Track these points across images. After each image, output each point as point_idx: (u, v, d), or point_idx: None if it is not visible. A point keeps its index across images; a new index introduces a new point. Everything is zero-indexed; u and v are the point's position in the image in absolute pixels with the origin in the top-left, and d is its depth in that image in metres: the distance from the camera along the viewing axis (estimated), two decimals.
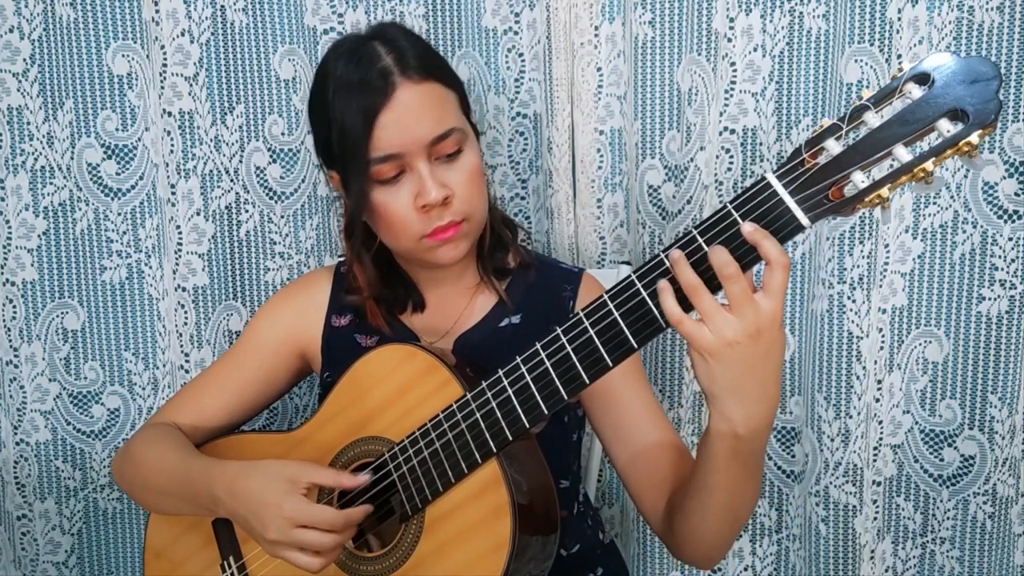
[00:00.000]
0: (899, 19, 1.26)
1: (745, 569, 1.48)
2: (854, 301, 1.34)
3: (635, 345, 0.85)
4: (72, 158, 1.50)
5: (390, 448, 1.00)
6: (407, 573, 0.97)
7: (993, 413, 1.36)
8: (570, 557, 1.14)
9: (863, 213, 1.31)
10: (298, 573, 1.02)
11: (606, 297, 0.86)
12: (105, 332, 1.54)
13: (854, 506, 1.37)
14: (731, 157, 1.36)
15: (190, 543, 1.14)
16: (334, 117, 1.04)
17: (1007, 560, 1.39)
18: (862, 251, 1.33)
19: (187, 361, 1.51)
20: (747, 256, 0.79)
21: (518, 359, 0.91)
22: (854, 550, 1.39)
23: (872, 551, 1.39)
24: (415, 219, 1.05)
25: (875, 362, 1.34)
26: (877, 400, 1.36)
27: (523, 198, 1.45)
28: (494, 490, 0.93)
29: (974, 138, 0.73)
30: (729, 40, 1.33)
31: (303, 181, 1.46)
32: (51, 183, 1.51)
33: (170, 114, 1.45)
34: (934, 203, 1.32)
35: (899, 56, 1.26)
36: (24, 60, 1.48)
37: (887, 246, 1.32)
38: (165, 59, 1.43)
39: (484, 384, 0.93)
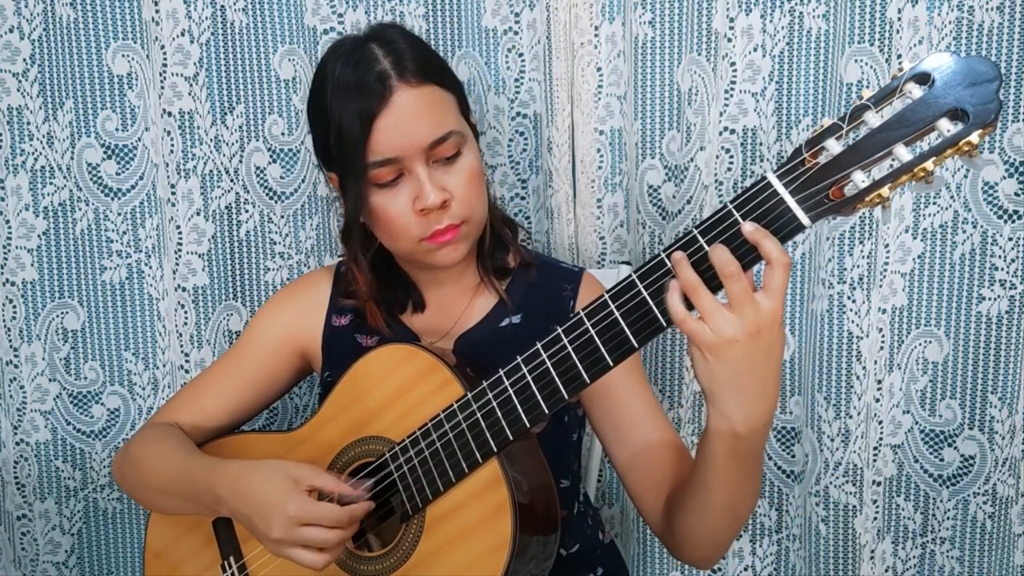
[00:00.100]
0: (899, 19, 1.26)
1: (745, 569, 1.48)
2: (854, 301, 1.34)
3: (635, 345, 0.85)
4: (72, 158, 1.50)
5: (391, 448, 1.00)
6: (408, 572, 0.98)
7: (993, 413, 1.36)
8: (570, 557, 1.14)
9: (863, 213, 1.31)
10: (299, 574, 1.03)
11: (607, 297, 0.86)
12: (105, 332, 1.54)
13: (854, 506, 1.37)
14: (731, 157, 1.36)
15: (190, 543, 1.14)
16: (332, 118, 1.04)
17: (1007, 560, 1.39)
18: (862, 251, 1.33)
19: (187, 361, 1.51)
20: (748, 255, 0.80)
21: (519, 359, 0.91)
22: (854, 550, 1.39)
23: (872, 551, 1.39)
24: (414, 222, 1.05)
25: (875, 362, 1.34)
26: (877, 400, 1.36)
27: (523, 198, 1.45)
28: (495, 490, 0.93)
29: (974, 138, 0.73)
30: (729, 40, 1.33)
31: (303, 181, 1.46)
32: (51, 183, 1.51)
33: (170, 114, 1.45)
34: (934, 203, 1.32)
35: (899, 56, 1.26)
36: (24, 60, 1.48)
37: (887, 246, 1.32)
38: (165, 59, 1.43)
39: (485, 384, 0.93)
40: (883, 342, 1.34)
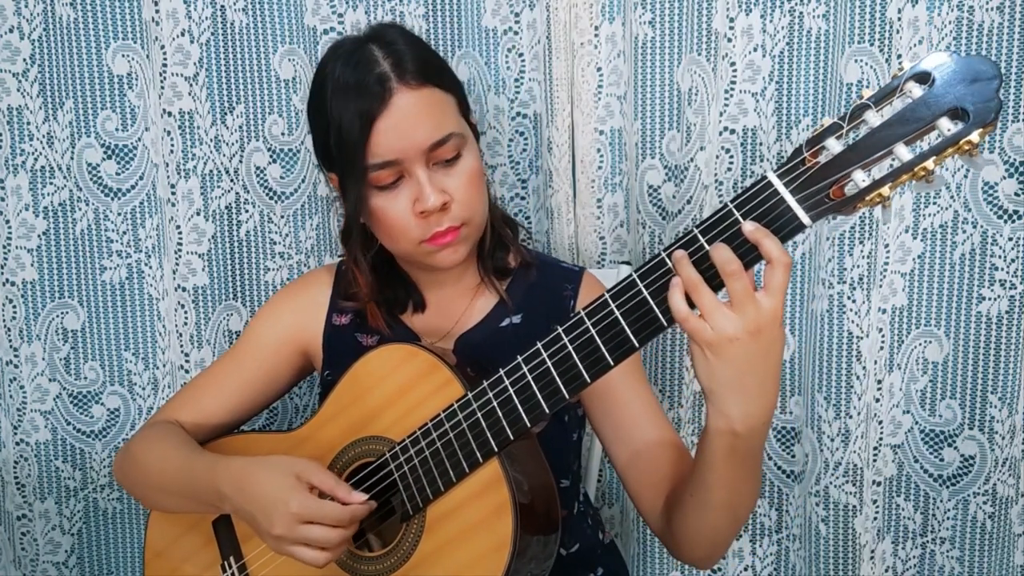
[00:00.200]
0: (899, 19, 1.26)
1: (745, 569, 1.48)
2: (854, 301, 1.34)
3: (636, 344, 0.85)
4: (72, 158, 1.50)
5: (391, 448, 1.00)
6: (408, 572, 0.97)
7: (993, 413, 1.36)
8: (570, 557, 1.14)
9: (863, 212, 1.31)
10: (299, 574, 1.03)
11: (607, 296, 0.86)
12: (105, 332, 1.54)
13: (854, 506, 1.37)
14: (731, 157, 1.36)
15: (190, 543, 1.14)
16: (332, 119, 1.04)
17: (1007, 560, 1.39)
18: (862, 251, 1.33)
19: (187, 361, 1.51)
20: (748, 255, 0.80)
21: (519, 358, 0.91)
22: (854, 550, 1.39)
23: (872, 551, 1.39)
24: (414, 224, 1.05)
25: (875, 362, 1.34)
26: (877, 400, 1.36)
27: (523, 198, 1.45)
28: (495, 489, 0.93)
29: (975, 137, 0.73)
30: (729, 40, 1.33)
31: (303, 181, 1.46)
32: (51, 183, 1.51)
33: (170, 114, 1.45)
34: (934, 203, 1.32)
35: (899, 56, 1.26)
36: (24, 60, 1.48)
37: (887, 246, 1.32)
38: (165, 59, 1.43)
39: (485, 383, 0.93)
40: (883, 342, 1.34)
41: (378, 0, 1.39)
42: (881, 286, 1.33)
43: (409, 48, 1.05)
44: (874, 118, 0.76)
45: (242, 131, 1.46)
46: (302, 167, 1.46)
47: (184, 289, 1.49)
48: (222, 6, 1.42)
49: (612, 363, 0.86)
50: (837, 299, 1.35)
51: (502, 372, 0.92)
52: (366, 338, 1.17)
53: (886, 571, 1.41)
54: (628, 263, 1.38)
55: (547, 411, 0.90)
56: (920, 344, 1.36)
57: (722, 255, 0.79)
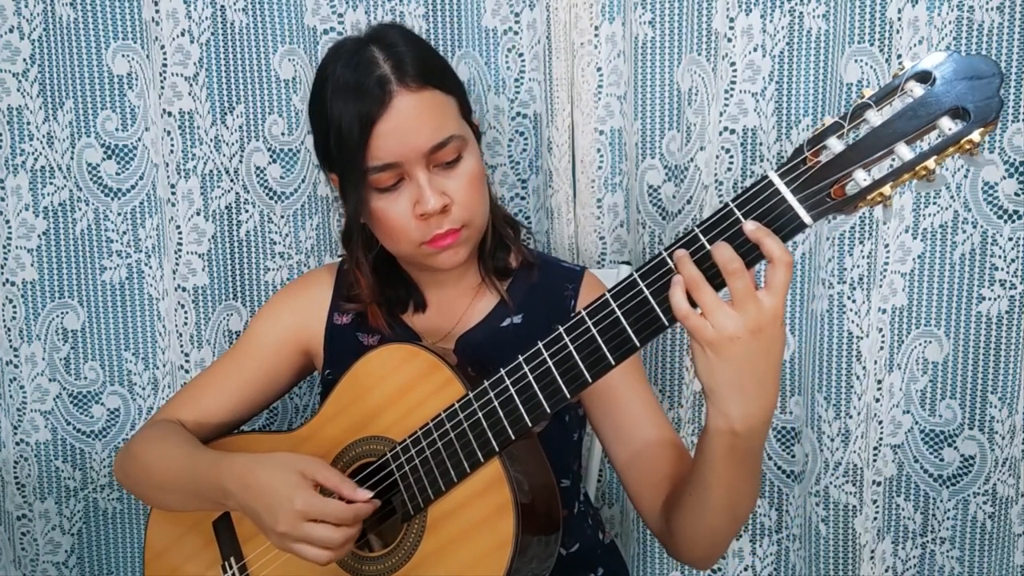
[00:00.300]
0: (899, 19, 1.26)
1: (745, 569, 1.48)
2: (854, 301, 1.34)
3: (637, 344, 0.85)
4: (72, 158, 1.50)
5: (392, 447, 1.00)
6: (409, 572, 0.97)
7: (993, 413, 1.36)
8: (570, 556, 1.14)
9: (864, 212, 1.32)
10: (299, 574, 1.03)
11: (608, 296, 0.86)
12: (105, 332, 1.54)
13: (854, 506, 1.37)
14: (731, 157, 1.37)
15: (191, 543, 1.14)
16: (332, 120, 1.04)
17: (1007, 560, 1.39)
18: (862, 251, 1.33)
19: (187, 361, 1.51)
20: (749, 254, 0.80)
21: (520, 358, 0.91)
22: (854, 550, 1.39)
23: (872, 551, 1.39)
24: (414, 227, 1.05)
25: (875, 362, 1.35)
26: (877, 400, 1.36)
27: (523, 198, 1.45)
28: (496, 489, 0.93)
29: (976, 136, 0.73)
30: (729, 40, 1.33)
31: (303, 181, 1.46)
32: (51, 183, 1.51)
33: (170, 114, 1.45)
34: (934, 203, 1.32)
35: (899, 56, 1.26)
36: (24, 60, 1.48)
37: (887, 246, 1.32)
38: (165, 59, 1.43)
39: (486, 383, 0.93)
40: (883, 342, 1.34)
41: (378, 0, 1.39)
42: (881, 286, 1.33)
43: (410, 50, 1.05)
44: (875, 117, 0.76)
45: (242, 131, 1.46)
46: (302, 167, 1.46)
47: (184, 289, 1.49)
48: (222, 6, 1.42)
49: (613, 363, 0.86)
50: (837, 299, 1.35)
51: (503, 372, 0.92)
52: (367, 337, 1.17)
53: (886, 571, 1.41)
54: (628, 263, 1.38)
55: (548, 411, 0.90)
56: (920, 344, 1.36)
57: (724, 254, 0.79)
